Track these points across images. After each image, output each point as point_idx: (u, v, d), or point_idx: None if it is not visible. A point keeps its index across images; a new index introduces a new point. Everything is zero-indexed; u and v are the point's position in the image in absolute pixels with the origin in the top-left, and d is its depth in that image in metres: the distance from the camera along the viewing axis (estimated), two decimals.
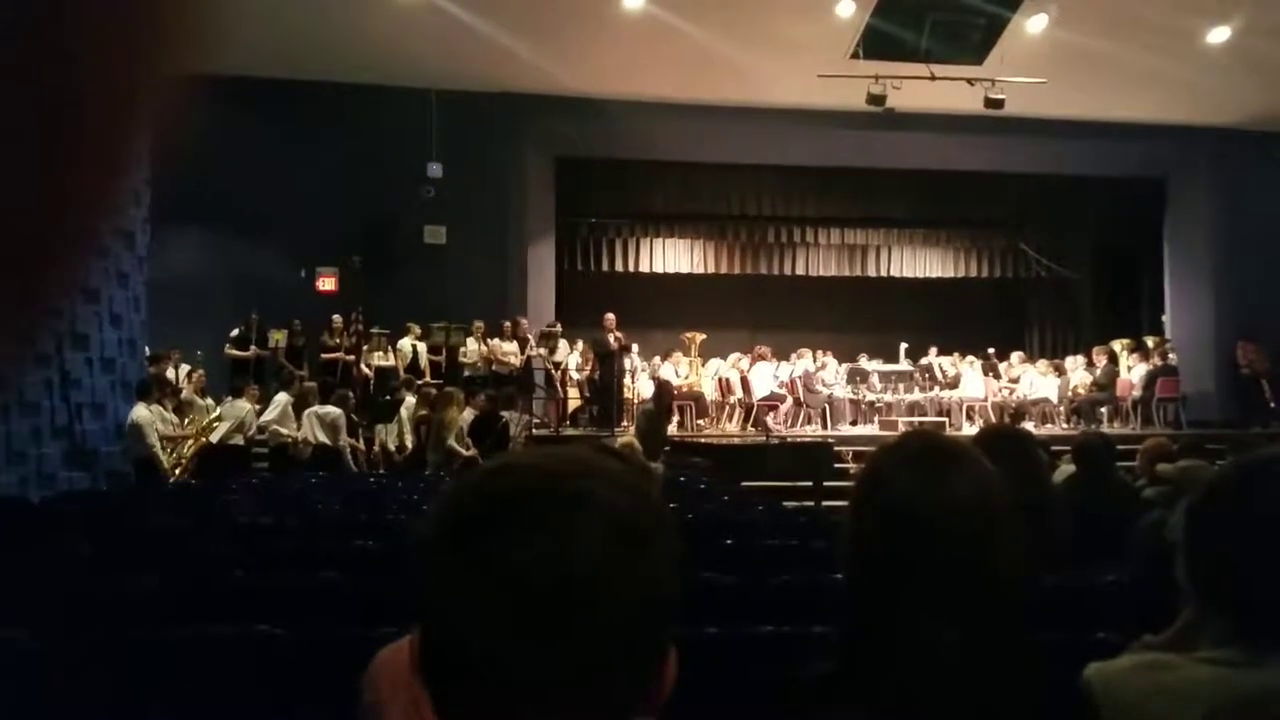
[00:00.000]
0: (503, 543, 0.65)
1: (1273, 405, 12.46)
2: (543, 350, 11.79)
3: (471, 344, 11.70)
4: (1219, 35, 11.35)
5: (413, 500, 5.38)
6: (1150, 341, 13.24)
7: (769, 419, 11.66)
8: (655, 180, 14.07)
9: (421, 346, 11.68)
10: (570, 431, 11.47)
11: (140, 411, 7.84)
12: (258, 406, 9.09)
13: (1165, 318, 14.55)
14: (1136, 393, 12.48)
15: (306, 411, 8.80)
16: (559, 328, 12.36)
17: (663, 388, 10.79)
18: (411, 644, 0.70)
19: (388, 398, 10.34)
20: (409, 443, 9.62)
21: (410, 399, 9.95)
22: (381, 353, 11.42)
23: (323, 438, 8.66)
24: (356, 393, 10.27)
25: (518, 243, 12.99)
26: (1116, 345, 13.16)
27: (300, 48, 10.93)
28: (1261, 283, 13.33)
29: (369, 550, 3.47)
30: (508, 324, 11.98)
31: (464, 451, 8.59)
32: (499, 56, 11.25)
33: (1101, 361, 12.85)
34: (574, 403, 12.43)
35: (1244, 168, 13.46)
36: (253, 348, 11.17)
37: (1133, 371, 12.74)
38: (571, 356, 12.38)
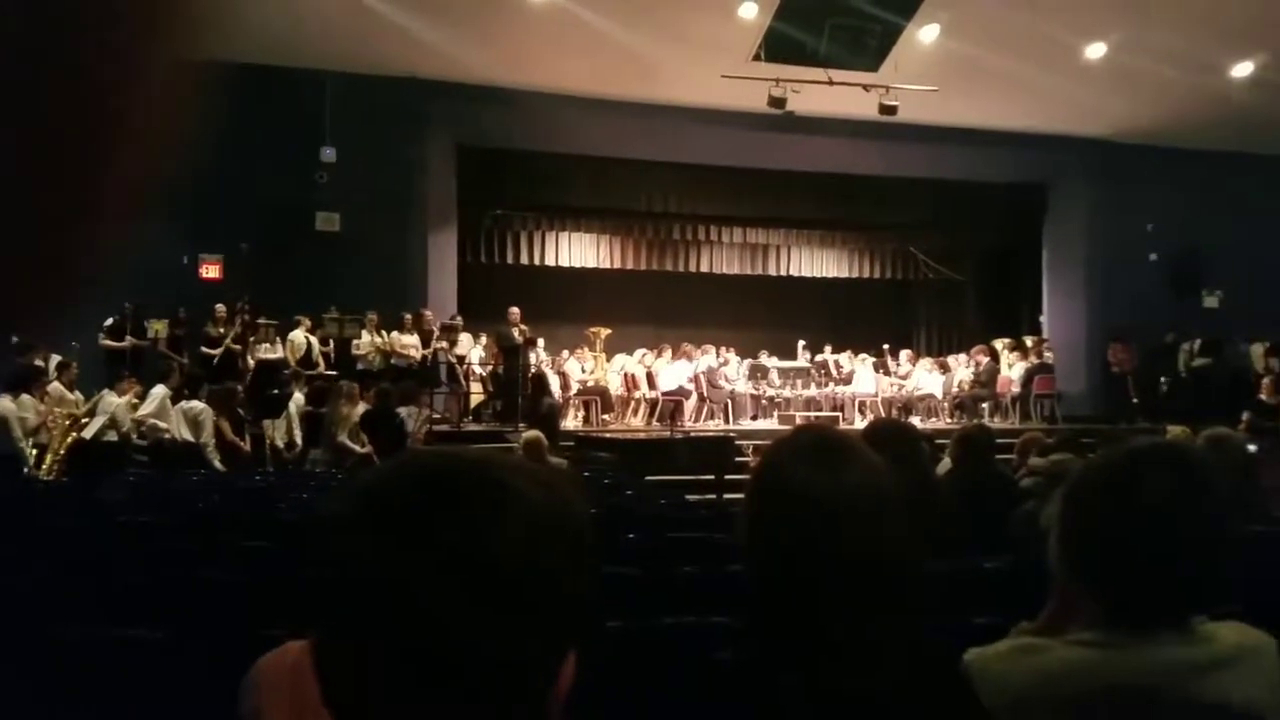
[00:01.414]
0: (427, 529, 0.64)
1: (1135, 401, 13.27)
2: (443, 343, 11.58)
3: (366, 336, 11.36)
4: (1096, 51, 11.98)
5: (302, 498, 5.21)
6: (1029, 341, 13.87)
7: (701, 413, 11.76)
8: (562, 173, 13.94)
9: (312, 338, 11.22)
10: (473, 427, 11.31)
11: (4, 404, 7.35)
12: (135, 400, 8.61)
13: (1043, 318, 15.25)
14: (1015, 389, 13.11)
15: (175, 406, 8.37)
16: (460, 320, 12.16)
17: (534, 380, 10.57)
18: (310, 645, 0.68)
19: (276, 392, 9.95)
20: (298, 439, 9.29)
21: (300, 393, 9.61)
22: (269, 344, 10.88)
23: (187, 434, 8.23)
24: (243, 386, 9.87)
25: (418, 232, 12.65)
26: (997, 344, 13.76)
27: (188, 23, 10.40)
28: (1131, 286, 14.17)
29: (256, 549, 3.35)
30: (408, 316, 11.69)
31: (357, 448, 8.30)
32: (401, 40, 10.98)
33: (983, 359, 13.44)
34: (477, 397, 12.27)
35: (1117, 177, 14.22)
36: (129, 338, 10.55)
37: (1012, 369, 13.36)
38: (475, 350, 12.21)
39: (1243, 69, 12.44)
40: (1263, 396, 11.64)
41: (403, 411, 8.95)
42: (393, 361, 11.28)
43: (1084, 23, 11.55)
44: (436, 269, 12.99)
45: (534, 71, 12.02)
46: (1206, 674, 1.21)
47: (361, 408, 8.70)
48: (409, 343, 11.43)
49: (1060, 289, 15.10)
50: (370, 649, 0.63)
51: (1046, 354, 13.48)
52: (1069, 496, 1.32)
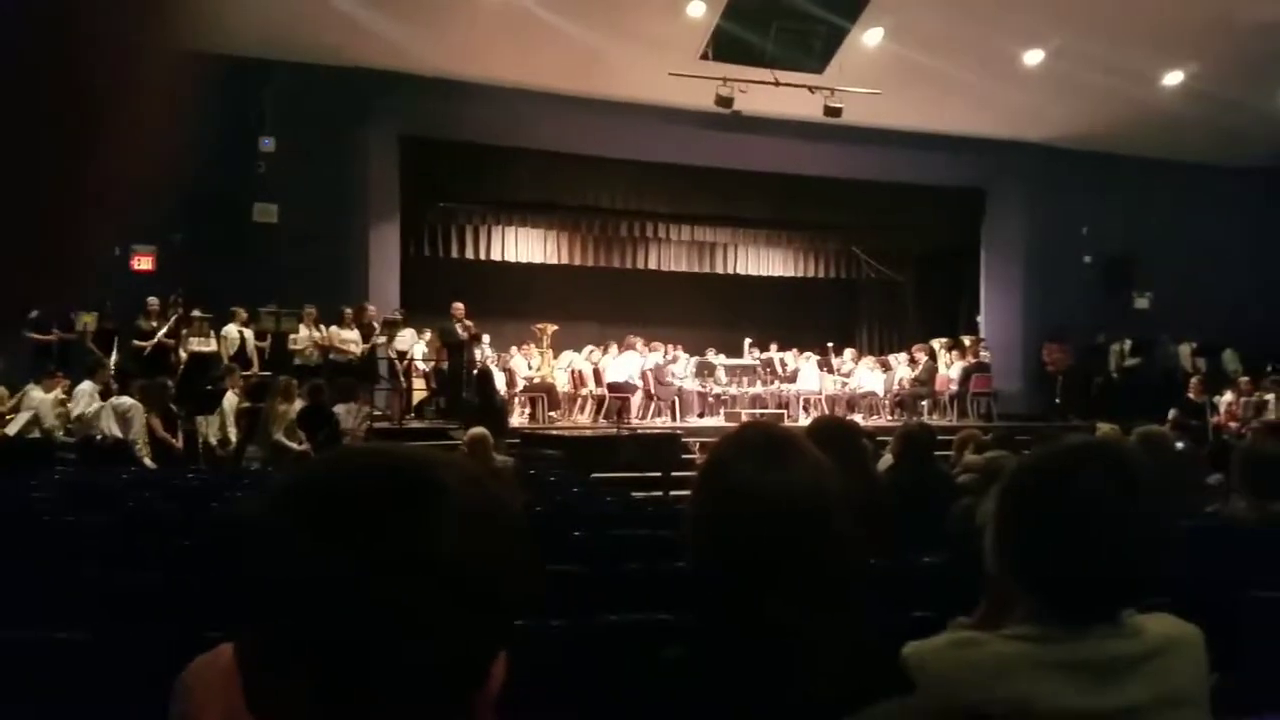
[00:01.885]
0: (355, 527, 0.63)
1: (1064, 400, 13.65)
2: (384, 339, 11.39)
3: (304, 331, 11.09)
4: (1034, 58, 12.28)
5: (236, 497, 5.09)
6: (967, 341, 14.19)
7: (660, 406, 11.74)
8: (509, 167, 13.79)
9: (248, 333, 10.89)
10: (415, 424, 11.15)
11: None
12: (63, 395, 8.32)
13: (980, 319, 15.59)
14: (953, 388, 13.40)
15: (105, 402, 8.10)
16: (403, 315, 11.98)
17: (480, 376, 10.47)
18: (234, 649, 0.66)
19: (209, 387, 9.68)
20: (232, 436, 9.05)
21: (234, 389, 9.38)
22: (203, 338, 10.54)
23: (116, 430, 7.98)
24: (175, 381, 9.60)
25: (359, 225, 12.39)
26: (936, 344, 14.04)
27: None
28: (1065, 288, 14.57)
29: (189, 549, 3.26)
30: (348, 310, 11.46)
31: (294, 446, 8.11)
32: (344, 29, 10.77)
33: (923, 358, 13.71)
34: (420, 394, 12.10)
35: (1053, 181, 14.59)
36: (55, 331, 10.15)
37: (951, 368, 13.65)
38: (418, 346, 12.03)
39: (1173, 78, 12.87)
40: (1191, 395, 12.08)
41: (341, 408, 8.78)
42: (331, 357, 11.03)
43: (1022, 30, 11.82)
44: (378, 262, 12.75)
45: (481, 64, 11.89)
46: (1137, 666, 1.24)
47: (299, 404, 8.50)
48: (348, 338, 11.20)
49: (997, 290, 15.44)
50: (295, 650, 0.62)
51: (983, 353, 13.80)
52: (1003, 493, 1.34)
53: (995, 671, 1.25)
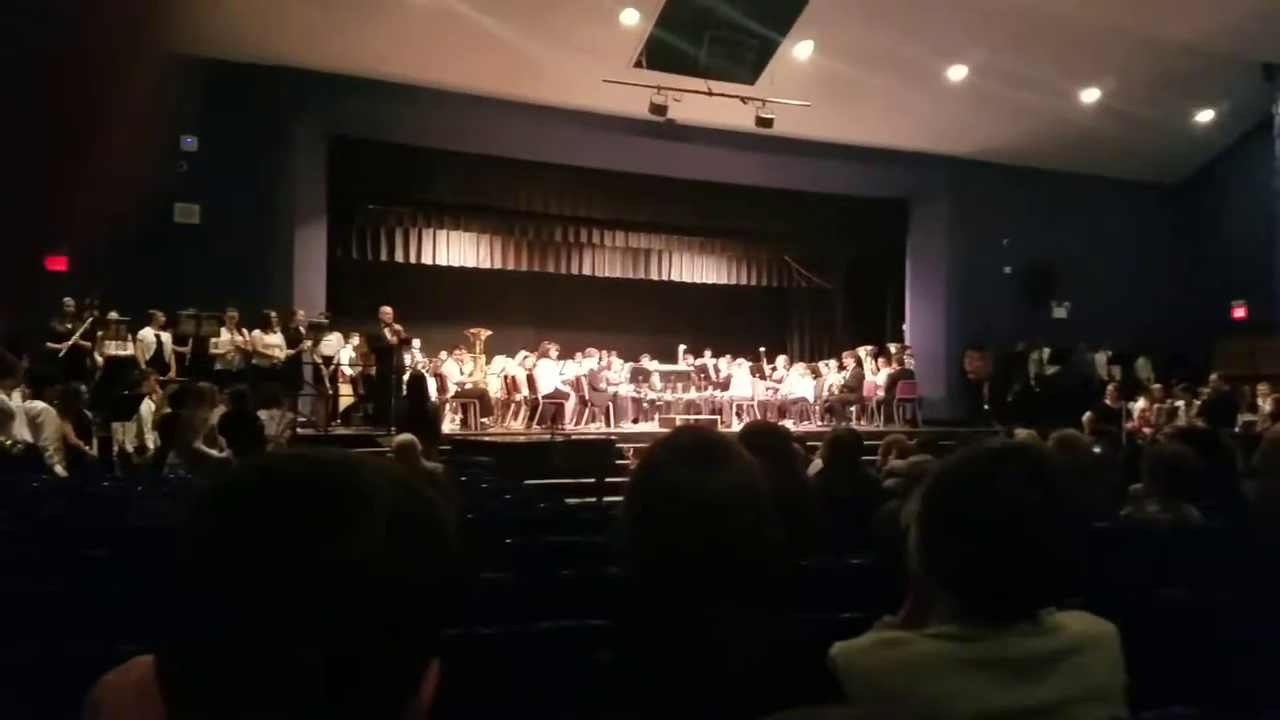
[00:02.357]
0: (273, 538, 0.61)
1: (985, 406, 14.06)
2: (308, 343, 11.13)
3: (225, 334, 10.77)
4: (958, 73, 12.65)
5: (153, 506, 4.91)
6: (893, 348, 14.50)
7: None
8: (441, 170, 13.64)
9: (165, 336, 10.54)
10: (342, 431, 10.91)
11: None
12: None
13: (906, 327, 15.95)
14: (880, 394, 13.68)
15: (18, 406, 7.75)
16: (329, 319, 11.73)
17: (412, 381, 10.27)
18: (155, 660, 0.64)
19: (126, 393, 9.34)
20: (150, 443, 8.74)
21: (152, 395, 9.06)
22: (120, 342, 10.16)
23: (27, 436, 7.64)
24: (92, 386, 9.23)
25: (284, 226, 12.06)
26: (863, 351, 14.32)
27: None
28: (987, 298, 15.00)
29: (103, 559, 3.14)
30: (272, 314, 11.16)
31: (215, 454, 7.86)
32: (270, 26, 10.53)
33: (851, 365, 13.98)
34: (347, 400, 11.86)
35: (975, 194, 15.01)
36: None
37: (878, 375, 13.93)
38: (345, 351, 11.80)
39: (1091, 95, 13.38)
40: (1107, 402, 12.54)
41: (264, 415, 8.54)
42: (254, 362, 10.75)
43: (946, 46, 12.16)
44: (304, 265, 12.46)
45: (414, 65, 11.75)
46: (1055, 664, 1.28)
47: (220, 411, 8.24)
48: (272, 342, 10.92)
49: (922, 299, 15.81)
50: (216, 659, 0.60)
51: (909, 360, 14.12)
52: (926, 496, 1.37)
53: (920, 670, 1.27)
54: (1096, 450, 4.89)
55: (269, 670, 0.59)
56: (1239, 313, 15.04)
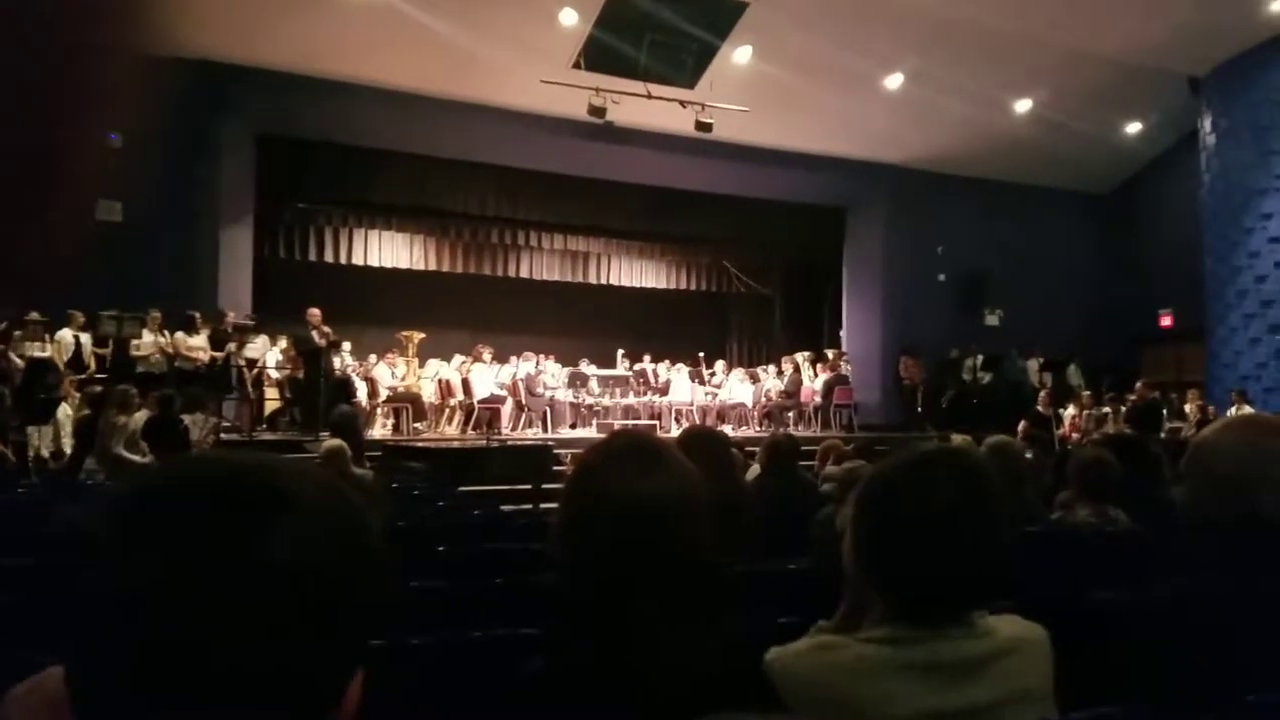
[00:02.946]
0: (190, 541, 0.58)
1: (919, 411, 14.34)
2: (234, 345, 10.83)
3: (148, 336, 10.42)
4: (894, 82, 12.89)
5: (70, 512, 4.71)
6: (830, 354, 14.72)
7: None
8: (374, 169, 13.41)
9: (84, 337, 10.15)
10: (268, 436, 10.63)
11: None
12: None
13: (843, 333, 16.23)
14: (817, 399, 13.86)
15: None
16: (255, 321, 11.42)
17: (339, 385, 10.12)
18: (64, 670, 0.61)
19: (44, 396, 8.99)
20: (68, 448, 8.41)
21: (69, 398, 8.72)
22: (38, 343, 9.79)
23: None
24: (7, 389, 8.84)
25: (210, 225, 11.74)
26: (801, 357, 14.50)
27: None
28: (922, 305, 15.31)
29: (16, 567, 3.00)
30: (197, 315, 10.82)
31: (136, 459, 7.61)
32: (199, 20, 10.21)
33: (789, 370, 14.13)
34: (272, 404, 11.56)
35: (910, 202, 15.33)
36: None
37: (816, 380, 14.11)
38: (272, 353, 11.52)
39: (1023, 105, 13.77)
40: (1040, 408, 12.87)
41: (188, 420, 8.29)
42: (177, 364, 10.43)
43: (883, 55, 12.39)
44: (230, 265, 12.12)
45: (346, 62, 11.54)
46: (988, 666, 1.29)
47: (142, 414, 7.98)
48: (195, 344, 10.61)
49: (858, 305, 16.08)
50: (129, 668, 0.56)
51: (845, 366, 14.33)
52: (860, 501, 1.38)
53: (855, 674, 1.27)
54: (1029, 456, 5.01)
55: (184, 679, 0.56)
56: (1166, 321, 15.62)
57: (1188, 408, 11.96)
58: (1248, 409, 11.55)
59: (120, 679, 0.57)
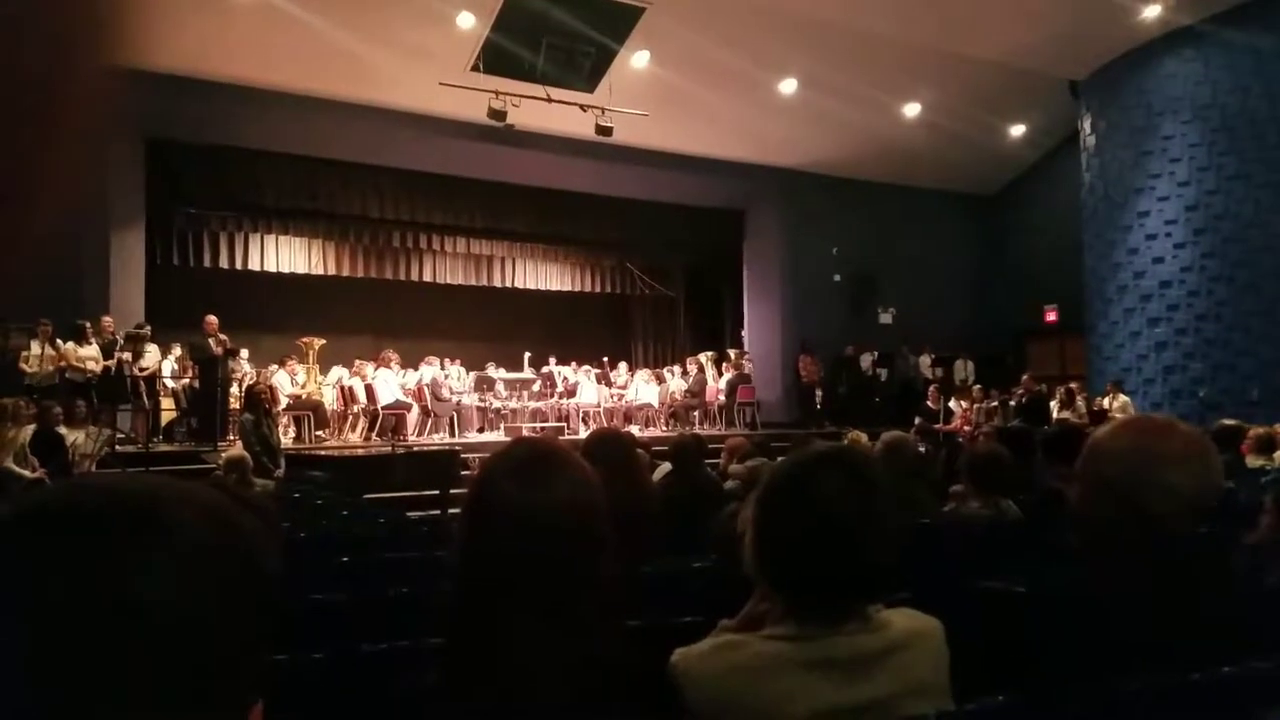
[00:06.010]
0: (56, 573, 0.55)
1: (819, 408, 14.70)
2: (127, 355, 10.33)
3: (36, 347, 9.90)
4: (788, 86, 13.15)
5: None
6: (732, 354, 14.94)
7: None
8: (269, 172, 12.96)
9: None
10: (164, 446, 10.20)
11: None
12: None
13: (744, 333, 16.48)
14: (721, 398, 14.05)
15: None
16: (148, 329, 10.93)
17: (250, 392, 9.79)
18: None
19: None
20: None
21: None
22: None
23: None
24: None
25: (98, 231, 11.16)
26: (704, 357, 14.67)
27: None
28: (818, 304, 15.68)
29: None
30: (87, 324, 10.31)
31: (27, 474, 7.34)
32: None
33: (694, 370, 14.28)
34: (168, 414, 11.08)
35: (805, 204, 15.66)
36: None
37: (719, 380, 14.30)
38: (167, 362, 11.04)
39: (911, 110, 14.23)
40: (929, 404, 13.30)
41: (78, 433, 7.94)
42: (68, 375, 9.92)
43: (776, 61, 12.63)
44: (120, 272, 11.58)
45: (236, 64, 11.14)
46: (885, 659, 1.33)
47: (31, 428, 7.69)
48: (86, 354, 10.10)
49: (758, 305, 16.35)
50: None
51: (747, 365, 14.56)
52: (758, 500, 1.40)
53: (757, 672, 1.29)
54: (921, 450, 5.19)
55: (49, 716, 0.53)
56: (1050, 316, 16.34)
57: (1080, 401, 12.33)
58: (1123, 398, 12.22)
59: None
